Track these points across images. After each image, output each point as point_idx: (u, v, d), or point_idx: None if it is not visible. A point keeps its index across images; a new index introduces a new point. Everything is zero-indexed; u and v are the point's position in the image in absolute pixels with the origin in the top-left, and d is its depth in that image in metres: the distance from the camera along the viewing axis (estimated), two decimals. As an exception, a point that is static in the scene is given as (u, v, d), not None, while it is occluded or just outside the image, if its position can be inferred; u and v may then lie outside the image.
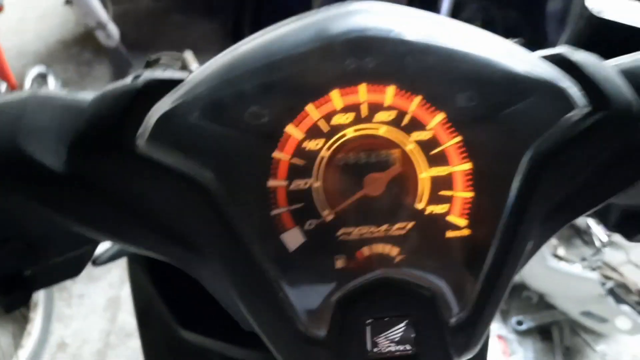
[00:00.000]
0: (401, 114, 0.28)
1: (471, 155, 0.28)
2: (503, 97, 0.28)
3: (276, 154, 0.28)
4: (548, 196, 0.29)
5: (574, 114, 0.29)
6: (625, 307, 1.55)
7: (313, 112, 0.28)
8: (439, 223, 0.28)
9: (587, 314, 1.56)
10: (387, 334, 0.28)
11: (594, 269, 1.64)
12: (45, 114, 0.29)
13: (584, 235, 1.80)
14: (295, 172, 0.28)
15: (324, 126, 0.28)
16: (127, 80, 0.30)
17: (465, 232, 0.28)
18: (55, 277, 0.36)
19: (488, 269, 0.28)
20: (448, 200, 0.28)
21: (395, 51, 0.28)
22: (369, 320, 0.28)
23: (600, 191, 0.31)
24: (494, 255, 0.28)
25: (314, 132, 0.28)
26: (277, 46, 0.28)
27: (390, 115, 0.28)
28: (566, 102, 0.29)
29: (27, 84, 1.89)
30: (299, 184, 0.28)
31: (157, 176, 0.28)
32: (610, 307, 1.53)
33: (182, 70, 0.41)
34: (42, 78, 1.98)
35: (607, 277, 1.63)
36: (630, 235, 0.37)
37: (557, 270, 1.61)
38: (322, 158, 0.28)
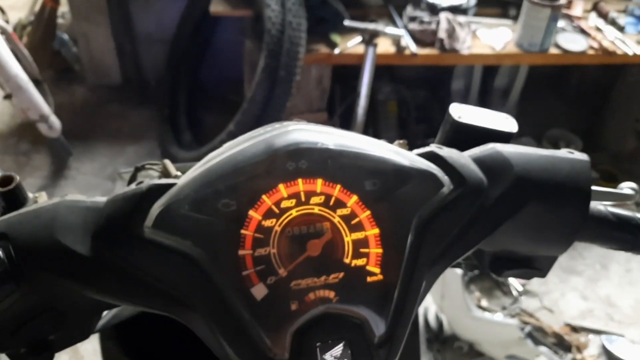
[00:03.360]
0: (328, 197, 0.38)
1: (378, 223, 0.38)
2: (394, 182, 0.39)
3: (243, 231, 0.37)
4: (432, 248, 0.39)
5: (443, 191, 0.39)
6: (543, 348, 1.71)
7: (267, 200, 0.38)
8: (362, 272, 0.37)
9: (512, 357, 1.69)
10: (332, 352, 0.36)
11: (513, 316, 1.80)
12: (73, 214, 0.39)
13: (503, 287, 1.97)
14: (257, 243, 0.37)
15: (275, 209, 0.37)
16: (132, 186, 0.40)
17: (380, 277, 0.37)
18: (72, 340, 0.45)
19: (396, 301, 0.38)
20: (366, 255, 0.37)
21: (320, 156, 0.38)
22: (318, 344, 0.36)
23: (466, 243, 0.41)
24: (399, 291, 0.38)
25: (268, 214, 0.37)
26: (240, 157, 0.39)
27: (321, 198, 0.38)
28: (437, 183, 0.39)
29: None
30: (261, 251, 0.37)
31: (160, 254, 0.37)
32: (530, 349, 1.68)
33: (165, 174, 0.53)
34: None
35: (525, 322, 1.80)
36: (499, 274, 0.47)
37: (482, 319, 1.75)
38: (276, 232, 0.37)
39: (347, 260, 0.38)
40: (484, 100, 2.50)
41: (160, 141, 2.40)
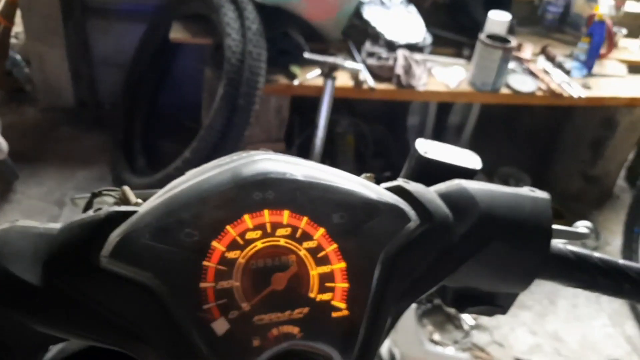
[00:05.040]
0: (295, 230, 0.37)
1: (345, 257, 0.37)
2: (362, 215, 0.38)
3: (205, 263, 0.36)
4: (398, 283, 0.39)
5: (409, 226, 0.39)
6: (493, 383, 1.73)
7: (231, 231, 0.36)
8: (327, 307, 0.36)
9: (463, 391, 1.71)
10: None
11: (465, 350, 1.82)
12: (23, 240, 0.37)
13: (455, 321, 1.99)
14: (220, 276, 0.36)
15: (240, 241, 0.36)
16: (89, 212, 0.38)
17: (345, 312, 0.37)
18: None
19: (362, 337, 0.37)
20: (332, 289, 0.36)
21: (288, 187, 0.38)
22: None
23: (432, 279, 0.41)
24: (366, 327, 0.37)
25: (233, 245, 0.36)
26: (205, 186, 0.38)
27: (287, 230, 0.37)
28: (404, 218, 0.39)
29: None
30: (223, 284, 0.35)
31: (116, 285, 0.35)
32: (481, 384, 1.70)
33: (123, 201, 0.51)
34: None
35: (477, 357, 1.82)
36: (461, 310, 0.47)
37: (434, 353, 1.75)
38: (240, 264, 0.36)
39: (312, 295, 0.37)
40: (439, 136, 2.56)
41: (112, 166, 2.34)
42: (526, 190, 0.45)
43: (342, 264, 0.37)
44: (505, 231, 0.42)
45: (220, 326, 0.35)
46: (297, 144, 2.22)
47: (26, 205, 2.15)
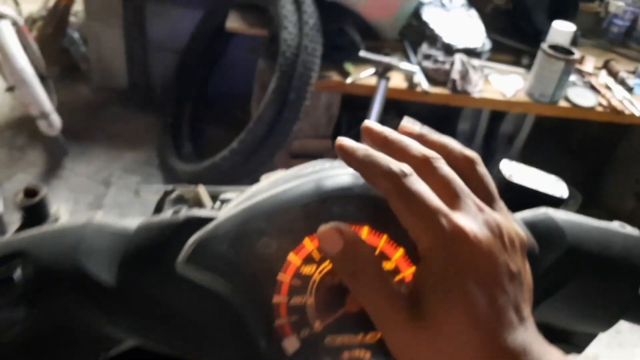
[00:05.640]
0: (373, 249, 0.35)
1: None
2: None
3: (280, 276, 0.34)
4: None
5: None
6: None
7: (309, 244, 0.35)
8: None
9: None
10: None
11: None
12: (100, 239, 0.36)
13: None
14: (294, 291, 0.34)
15: (316, 255, 0.34)
16: (168, 214, 0.37)
17: None
18: None
19: None
20: None
21: (370, 203, 0.36)
22: None
23: None
24: None
25: (309, 259, 0.34)
26: (287, 196, 0.36)
27: None
28: None
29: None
30: (297, 300, 0.34)
31: (190, 292, 0.34)
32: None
33: (195, 201, 0.50)
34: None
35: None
36: None
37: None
38: (315, 280, 0.34)
39: None
40: (489, 145, 2.50)
41: (159, 151, 2.37)
42: (616, 226, 0.43)
43: None
44: (593, 268, 0.40)
45: (291, 345, 0.34)
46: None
47: (74, 182, 2.19)
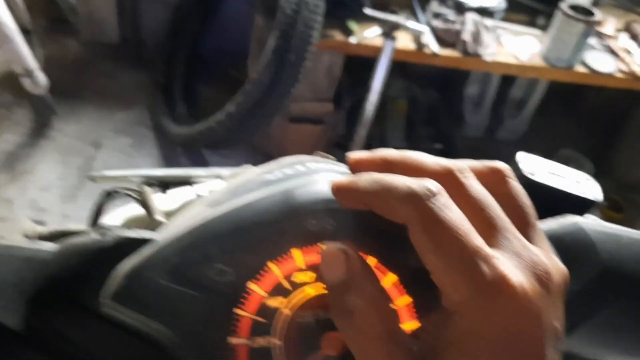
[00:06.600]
0: None
1: (421, 317, 0.28)
2: None
3: (239, 311, 0.27)
4: None
5: None
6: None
7: (275, 269, 0.27)
8: None
9: None
10: None
11: None
12: (5, 265, 0.28)
13: None
14: (257, 330, 0.27)
15: (285, 284, 0.27)
16: (93, 235, 0.29)
17: None
18: None
19: None
20: None
21: (355, 217, 0.28)
22: None
23: None
24: None
25: (276, 290, 0.27)
26: (247, 212, 0.28)
27: None
28: None
29: None
30: (260, 341, 0.27)
31: (116, 334, 0.27)
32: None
33: (143, 203, 0.41)
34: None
35: None
36: None
37: None
38: (284, 316, 0.28)
39: None
40: (498, 110, 2.39)
41: (151, 111, 2.25)
42: None
43: (418, 324, 0.28)
44: (631, 291, 0.33)
45: None
46: (347, 106, 2.09)
47: (62, 143, 2.09)
